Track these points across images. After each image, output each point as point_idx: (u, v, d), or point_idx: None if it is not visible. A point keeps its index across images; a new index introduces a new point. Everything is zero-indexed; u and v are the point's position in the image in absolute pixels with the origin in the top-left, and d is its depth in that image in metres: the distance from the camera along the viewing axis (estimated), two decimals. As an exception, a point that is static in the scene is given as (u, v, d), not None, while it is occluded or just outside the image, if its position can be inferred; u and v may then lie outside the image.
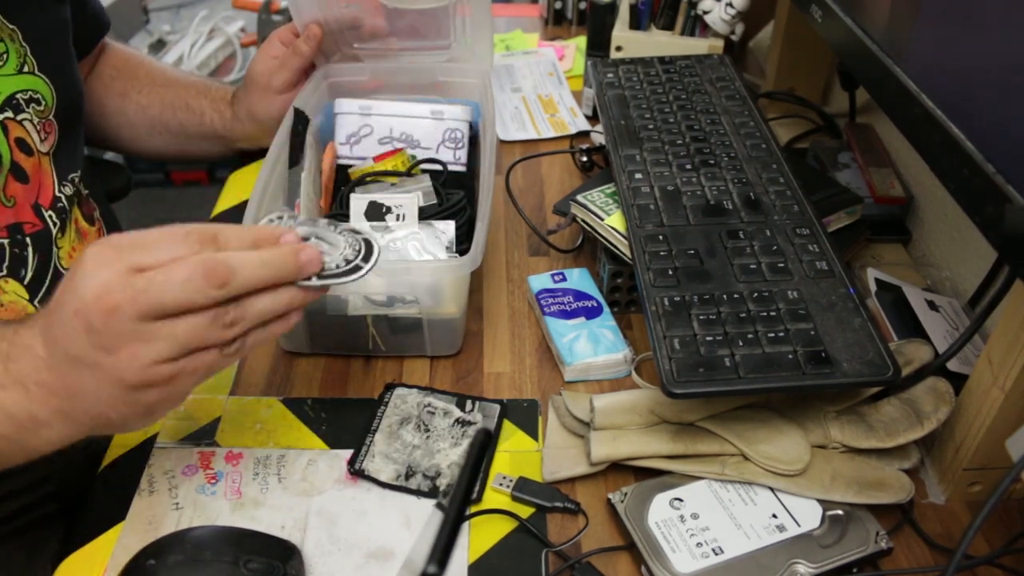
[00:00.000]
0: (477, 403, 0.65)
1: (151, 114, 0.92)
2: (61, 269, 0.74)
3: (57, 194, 0.74)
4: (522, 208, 0.84)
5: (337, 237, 0.53)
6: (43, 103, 0.73)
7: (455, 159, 0.80)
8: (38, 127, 0.72)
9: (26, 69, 0.71)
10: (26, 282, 0.71)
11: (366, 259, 0.52)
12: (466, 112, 0.81)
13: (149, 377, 0.46)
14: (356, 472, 0.60)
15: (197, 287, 0.44)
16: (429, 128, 0.80)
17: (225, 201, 0.90)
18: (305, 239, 0.52)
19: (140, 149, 0.97)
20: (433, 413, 0.64)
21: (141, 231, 0.47)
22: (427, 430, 0.63)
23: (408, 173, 0.77)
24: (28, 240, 0.70)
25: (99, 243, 0.46)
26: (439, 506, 0.58)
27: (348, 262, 0.52)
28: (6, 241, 0.68)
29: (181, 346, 0.45)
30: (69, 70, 0.78)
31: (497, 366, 0.69)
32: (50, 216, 0.73)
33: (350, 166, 0.80)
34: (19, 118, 0.70)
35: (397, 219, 0.69)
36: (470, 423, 0.63)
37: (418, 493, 0.59)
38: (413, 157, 0.79)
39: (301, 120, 0.76)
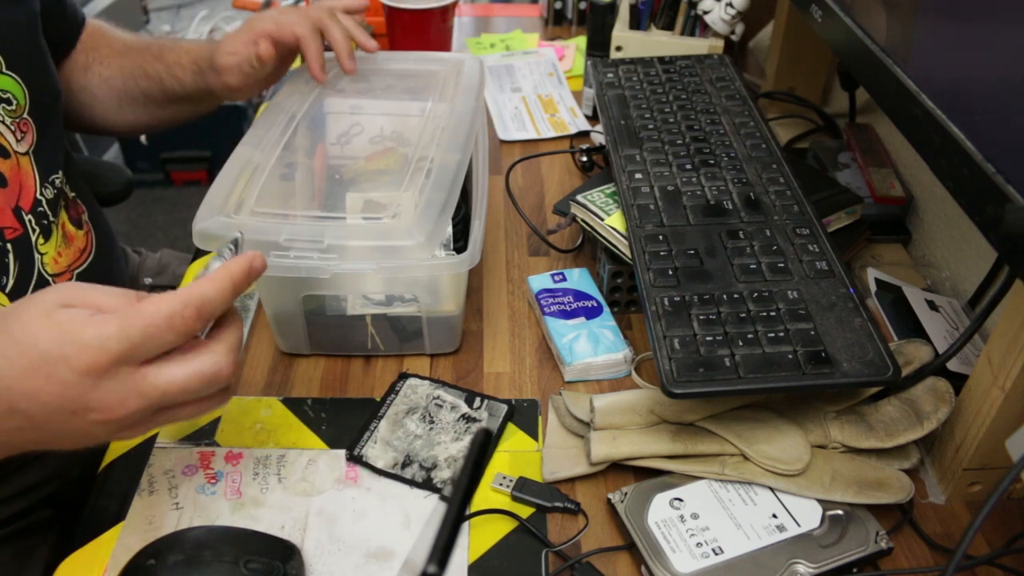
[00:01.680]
0: (486, 401, 0.65)
1: (115, 86, 0.87)
2: (46, 275, 0.72)
3: (38, 196, 0.72)
4: (522, 208, 0.84)
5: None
6: (14, 102, 0.70)
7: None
8: (12, 127, 0.70)
9: None
10: (7, 290, 0.68)
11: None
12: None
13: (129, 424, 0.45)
14: (354, 458, 0.61)
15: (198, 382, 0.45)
16: (420, 126, 0.80)
17: (225, 201, 0.90)
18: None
19: (114, 125, 0.91)
20: (440, 406, 0.64)
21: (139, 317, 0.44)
22: (432, 422, 0.63)
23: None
24: (9, 246, 0.68)
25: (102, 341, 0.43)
26: (443, 498, 0.58)
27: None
28: None
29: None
30: (42, 66, 0.75)
31: (497, 366, 0.69)
32: (29, 220, 0.70)
33: (341, 166, 0.79)
34: None
35: (392, 218, 0.69)
36: (475, 420, 0.63)
37: (411, 483, 0.59)
38: (405, 156, 0.79)
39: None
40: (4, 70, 0.70)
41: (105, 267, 0.82)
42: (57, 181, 0.75)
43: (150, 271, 0.99)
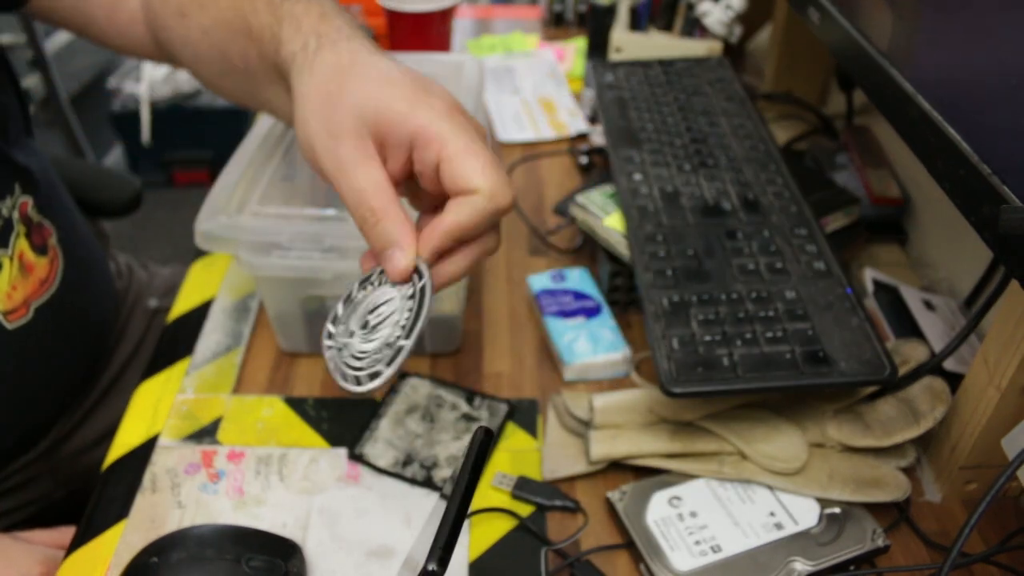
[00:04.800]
0: (486, 401, 0.66)
1: (214, 41, 0.59)
2: None
3: None
4: (522, 208, 0.84)
5: (394, 294, 0.47)
6: None
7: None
8: None
9: None
10: None
11: (407, 335, 0.45)
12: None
13: None
14: (355, 457, 0.61)
15: None
16: None
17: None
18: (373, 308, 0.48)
19: (227, 96, 0.64)
20: (441, 405, 0.65)
21: None
22: (432, 421, 0.64)
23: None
24: None
25: None
26: (444, 496, 0.58)
27: (389, 345, 0.46)
28: None
29: None
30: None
31: (497, 366, 0.70)
32: None
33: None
34: None
35: None
36: (475, 419, 0.64)
37: (412, 481, 0.60)
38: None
39: None
40: None
41: (72, 296, 0.74)
42: (4, 210, 0.67)
43: (157, 291, 0.93)
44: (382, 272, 0.47)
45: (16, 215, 0.68)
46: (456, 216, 0.44)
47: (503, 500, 0.59)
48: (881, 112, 0.60)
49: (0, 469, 0.73)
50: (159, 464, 0.61)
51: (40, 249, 0.71)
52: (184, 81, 2.21)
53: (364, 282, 0.49)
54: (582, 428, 0.62)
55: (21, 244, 0.68)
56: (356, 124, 0.46)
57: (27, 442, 0.74)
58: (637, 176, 0.72)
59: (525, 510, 0.58)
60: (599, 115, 0.83)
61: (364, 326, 0.47)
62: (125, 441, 0.63)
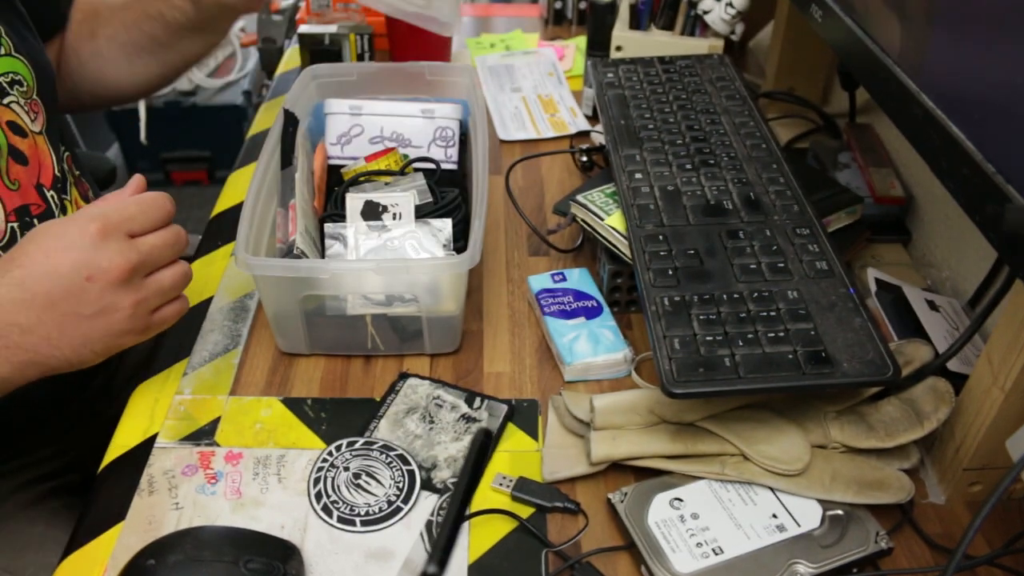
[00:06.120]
0: (486, 401, 0.65)
1: (121, 40, 0.87)
2: None
3: (57, 173, 0.74)
4: (522, 208, 0.84)
5: (384, 471, 0.59)
6: (25, 84, 0.72)
7: (446, 157, 0.80)
8: (26, 108, 0.71)
9: (2, 51, 0.70)
10: None
11: (406, 499, 0.58)
12: (456, 111, 0.81)
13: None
14: None
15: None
16: (420, 127, 0.80)
17: (225, 201, 0.90)
18: (356, 474, 0.59)
19: (130, 86, 0.92)
20: (440, 406, 0.64)
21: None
22: (432, 422, 0.63)
23: (401, 172, 0.77)
24: (35, 221, 0.70)
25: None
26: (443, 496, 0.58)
27: (390, 503, 0.58)
28: (16, 224, 0.68)
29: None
30: (40, 50, 0.77)
31: (497, 366, 0.69)
32: (52, 196, 0.73)
33: (342, 166, 0.80)
34: (6, 101, 0.69)
35: (394, 218, 0.69)
36: (475, 420, 0.63)
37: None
38: (405, 156, 0.79)
39: (291, 121, 0.75)
40: (13, 53, 0.71)
41: None
42: (68, 157, 0.77)
43: None
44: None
45: (66, 166, 0.77)
46: None
47: (503, 501, 0.58)
48: (884, 110, 0.60)
49: (42, 416, 0.77)
50: (156, 465, 0.61)
51: (85, 199, 0.80)
52: (182, 79, 2.21)
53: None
54: (583, 429, 0.61)
55: (74, 192, 0.77)
56: None
57: (62, 391, 0.78)
58: (638, 175, 0.72)
59: (525, 511, 0.58)
60: (600, 114, 0.83)
61: None
62: (122, 442, 0.63)
